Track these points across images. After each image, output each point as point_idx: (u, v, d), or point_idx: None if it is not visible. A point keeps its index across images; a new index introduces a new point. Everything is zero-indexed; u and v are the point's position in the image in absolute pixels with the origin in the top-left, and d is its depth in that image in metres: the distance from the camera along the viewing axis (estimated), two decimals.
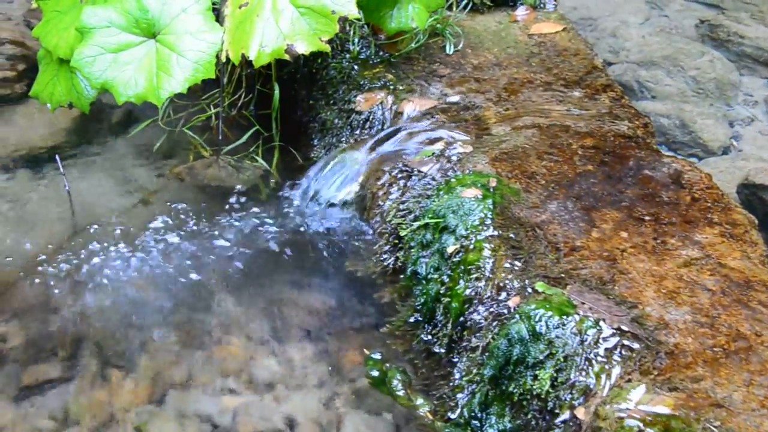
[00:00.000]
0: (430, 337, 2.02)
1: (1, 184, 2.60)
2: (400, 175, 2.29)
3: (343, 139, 2.56)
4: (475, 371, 1.83)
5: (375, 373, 1.97)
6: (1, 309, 2.16)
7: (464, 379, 1.86)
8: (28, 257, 2.30)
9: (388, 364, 1.99)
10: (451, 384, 1.89)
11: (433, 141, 2.33)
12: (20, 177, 2.64)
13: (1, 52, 3.00)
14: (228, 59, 2.21)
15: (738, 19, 3.75)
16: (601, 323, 1.69)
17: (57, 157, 2.58)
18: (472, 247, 1.96)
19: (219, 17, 2.24)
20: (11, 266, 2.28)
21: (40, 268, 2.27)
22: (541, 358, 1.69)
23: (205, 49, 2.14)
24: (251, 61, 2.16)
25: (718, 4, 3.97)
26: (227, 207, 2.48)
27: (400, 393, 1.92)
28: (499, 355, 1.76)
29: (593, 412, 1.60)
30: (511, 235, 1.95)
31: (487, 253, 1.93)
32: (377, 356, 2.02)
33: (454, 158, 2.24)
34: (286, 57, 2.15)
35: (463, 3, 2.94)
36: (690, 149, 3.10)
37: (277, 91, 2.61)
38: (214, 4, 2.23)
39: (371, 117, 2.52)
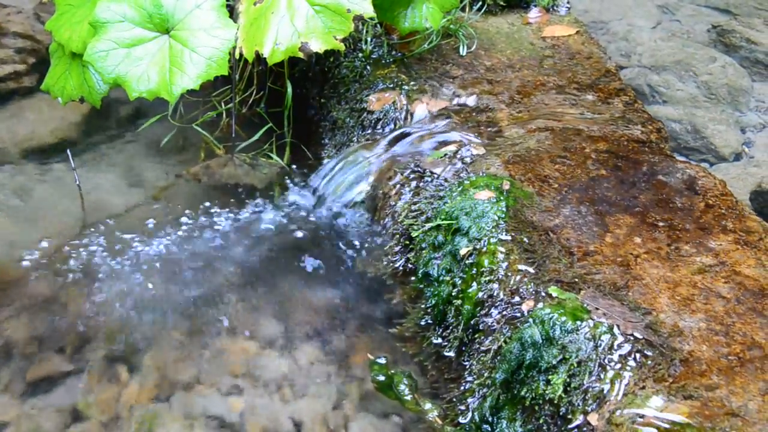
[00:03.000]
0: (440, 339, 2.00)
1: (10, 177, 2.59)
2: (412, 176, 2.27)
3: (355, 138, 2.54)
4: (486, 375, 1.82)
5: (381, 378, 1.95)
6: (9, 303, 2.14)
7: (475, 382, 1.84)
8: (36, 251, 2.29)
9: (393, 370, 1.97)
10: (461, 388, 1.88)
11: (445, 142, 2.31)
12: (29, 171, 2.63)
13: (12, 46, 2.99)
14: (241, 56, 2.19)
15: (750, 25, 3.73)
16: (615, 329, 1.67)
17: (68, 151, 2.57)
18: (485, 249, 1.95)
19: (233, 14, 2.23)
20: (19, 260, 2.27)
21: (48, 263, 2.25)
22: (554, 362, 1.68)
23: (218, 46, 2.13)
24: (264, 58, 2.15)
25: (730, 10, 3.96)
26: (237, 205, 2.47)
27: (408, 398, 1.90)
28: (512, 358, 1.75)
29: (606, 418, 1.58)
30: (525, 239, 1.94)
31: (500, 256, 1.91)
32: (382, 360, 1.99)
33: (467, 160, 2.23)
34: (301, 55, 2.13)
35: (477, 5, 2.92)
36: (701, 155, 3.09)
37: (289, 89, 2.60)
38: (228, 0, 2.22)
39: (383, 117, 2.51)
